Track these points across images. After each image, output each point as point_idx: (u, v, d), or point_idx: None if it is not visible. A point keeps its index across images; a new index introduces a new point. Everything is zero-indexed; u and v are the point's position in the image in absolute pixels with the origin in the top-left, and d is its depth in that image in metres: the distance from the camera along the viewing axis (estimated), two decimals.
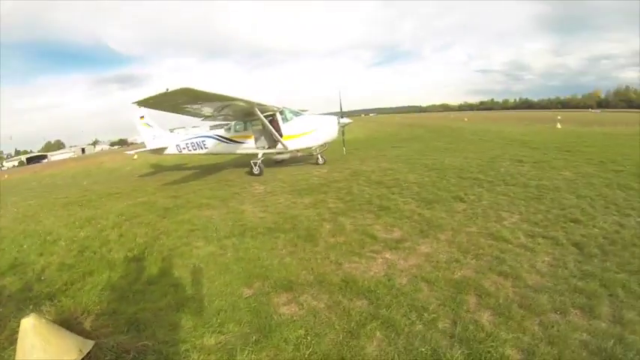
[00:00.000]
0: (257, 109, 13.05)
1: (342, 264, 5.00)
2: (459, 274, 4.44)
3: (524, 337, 3.21)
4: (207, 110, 12.37)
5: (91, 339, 3.56)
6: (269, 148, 14.78)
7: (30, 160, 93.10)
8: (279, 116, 14.16)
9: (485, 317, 3.55)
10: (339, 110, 15.06)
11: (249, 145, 15.00)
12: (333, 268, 4.90)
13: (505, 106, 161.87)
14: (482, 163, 11.50)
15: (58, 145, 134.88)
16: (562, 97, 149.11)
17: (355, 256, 5.24)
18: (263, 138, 14.83)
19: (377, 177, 10.82)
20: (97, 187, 15.25)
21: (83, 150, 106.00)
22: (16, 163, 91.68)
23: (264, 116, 13.55)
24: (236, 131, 15.14)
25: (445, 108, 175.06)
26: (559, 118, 37.02)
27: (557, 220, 6.11)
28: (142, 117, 17.38)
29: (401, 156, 14.89)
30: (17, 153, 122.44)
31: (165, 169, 19.09)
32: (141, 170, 20.61)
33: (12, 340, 3.63)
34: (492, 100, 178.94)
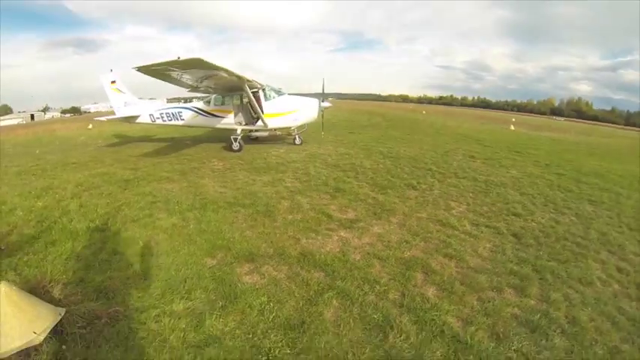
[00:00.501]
0: (247, 85, 12.75)
1: (299, 239, 5.35)
2: (409, 253, 4.92)
3: (464, 309, 3.71)
4: (188, 80, 11.82)
5: (61, 307, 3.59)
6: (248, 124, 14.61)
7: None
8: (261, 94, 13.93)
9: (431, 291, 4.03)
10: (319, 93, 15.07)
11: (228, 120, 14.64)
12: (292, 242, 5.24)
13: (464, 103, 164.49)
14: (436, 156, 12.09)
15: (6, 110, 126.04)
16: (518, 101, 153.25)
17: (312, 232, 5.61)
18: (243, 114, 14.62)
19: (333, 160, 11.17)
20: (50, 157, 14.60)
21: (32, 116, 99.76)
22: None
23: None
24: (215, 105, 14.82)
25: (404, 99, 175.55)
26: (513, 120, 38.82)
27: (500, 212, 6.72)
28: (114, 82, 16.44)
29: (358, 142, 15.27)
30: None
31: (125, 141, 18.52)
32: (96, 140, 19.89)
33: None
34: (452, 96, 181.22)
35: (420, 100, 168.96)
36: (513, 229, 5.90)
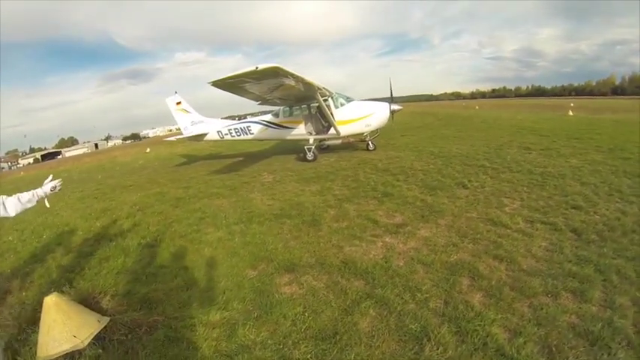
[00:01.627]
0: (319, 94, 12.66)
1: (343, 247, 5.20)
2: (455, 257, 4.58)
3: (512, 318, 3.32)
4: (257, 91, 11.82)
5: (107, 316, 3.85)
6: (319, 133, 14.54)
7: (45, 157, 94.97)
8: (331, 101, 13.83)
9: (477, 298, 3.69)
10: (387, 98, 14.64)
11: (299, 131, 14.74)
12: (335, 251, 5.10)
13: (518, 93, 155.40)
14: (489, 151, 11.47)
15: (72, 142, 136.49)
16: (576, 84, 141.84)
17: (356, 239, 5.44)
18: (313, 123, 14.60)
19: (383, 165, 10.93)
20: (110, 181, 15.55)
21: (96, 145, 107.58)
22: (31, 160, 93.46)
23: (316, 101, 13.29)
24: (284, 116, 15.00)
25: (457, 96, 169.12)
26: (572, 105, 36.22)
27: (558, 206, 6.13)
28: (179, 102, 17.13)
29: (409, 144, 14.86)
30: (32, 150, 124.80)
31: (180, 162, 19.21)
32: (153, 163, 21.02)
33: (35, 319, 3.87)
34: (505, 87, 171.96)
35: (473, 96, 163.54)
36: (573, 224, 5.30)
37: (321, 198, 7.96)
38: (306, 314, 3.60)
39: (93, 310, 3.92)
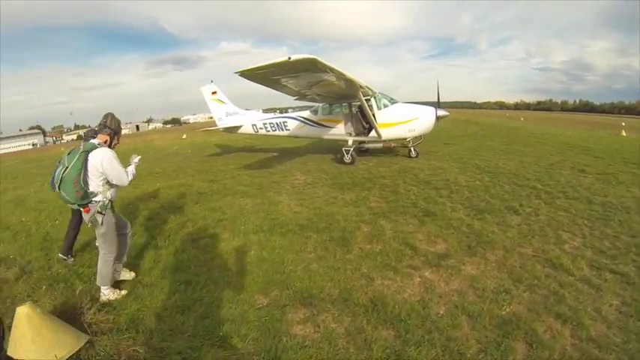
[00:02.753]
0: (361, 92, 11.59)
1: (373, 279, 4.42)
2: (508, 309, 3.71)
3: None
4: (294, 86, 10.92)
5: (88, 333, 3.40)
6: (359, 135, 13.53)
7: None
8: (373, 102, 12.79)
9: None
10: (434, 102, 13.64)
11: (338, 131, 13.83)
12: (363, 283, 4.33)
13: (564, 107, 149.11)
14: (539, 170, 10.38)
15: None
16: (626, 102, 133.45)
17: (390, 270, 4.63)
18: (353, 123, 13.59)
19: (425, 176, 10.03)
20: (139, 166, 15.31)
21: (137, 127, 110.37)
22: (74, 137, 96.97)
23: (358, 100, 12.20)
24: (323, 114, 14.18)
25: (500, 106, 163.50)
26: (623, 124, 33.83)
27: (627, 249, 5.08)
28: (214, 92, 16.68)
29: (452, 154, 13.78)
30: (76, 127, 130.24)
31: (215, 152, 18.95)
32: (186, 150, 20.80)
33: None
34: (551, 100, 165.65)
35: (517, 106, 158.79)
36: None
37: (354, 210, 7.18)
38: None
39: (76, 322, 3.51)
